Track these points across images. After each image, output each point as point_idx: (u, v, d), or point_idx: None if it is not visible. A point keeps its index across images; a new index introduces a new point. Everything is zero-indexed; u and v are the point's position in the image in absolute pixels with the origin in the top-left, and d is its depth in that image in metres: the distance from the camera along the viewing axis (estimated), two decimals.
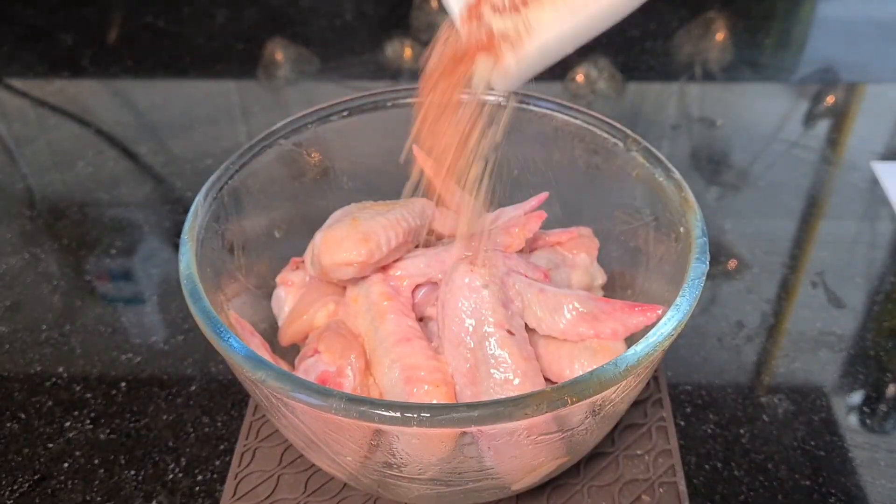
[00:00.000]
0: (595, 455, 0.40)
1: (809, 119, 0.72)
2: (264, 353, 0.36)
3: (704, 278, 0.32)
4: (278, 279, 0.43)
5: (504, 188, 0.48)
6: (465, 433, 0.28)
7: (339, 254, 0.37)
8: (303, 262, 0.42)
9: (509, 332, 0.34)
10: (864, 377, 0.47)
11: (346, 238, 0.37)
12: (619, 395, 0.30)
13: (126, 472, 0.41)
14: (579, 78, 0.76)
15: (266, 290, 0.43)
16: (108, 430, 0.43)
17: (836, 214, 0.60)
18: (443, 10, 0.32)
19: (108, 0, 0.91)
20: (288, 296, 0.42)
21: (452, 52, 0.31)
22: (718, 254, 0.55)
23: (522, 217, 0.41)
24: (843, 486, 0.40)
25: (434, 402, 0.33)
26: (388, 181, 0.48)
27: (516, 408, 0.26)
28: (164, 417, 0.44)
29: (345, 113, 0.44)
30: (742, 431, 0.43)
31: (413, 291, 0.38)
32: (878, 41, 0.85)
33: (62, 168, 0.65)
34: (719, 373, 0.47)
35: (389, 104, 0.44)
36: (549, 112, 0.44)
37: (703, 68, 0.79)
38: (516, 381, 0.33)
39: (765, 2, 0.91)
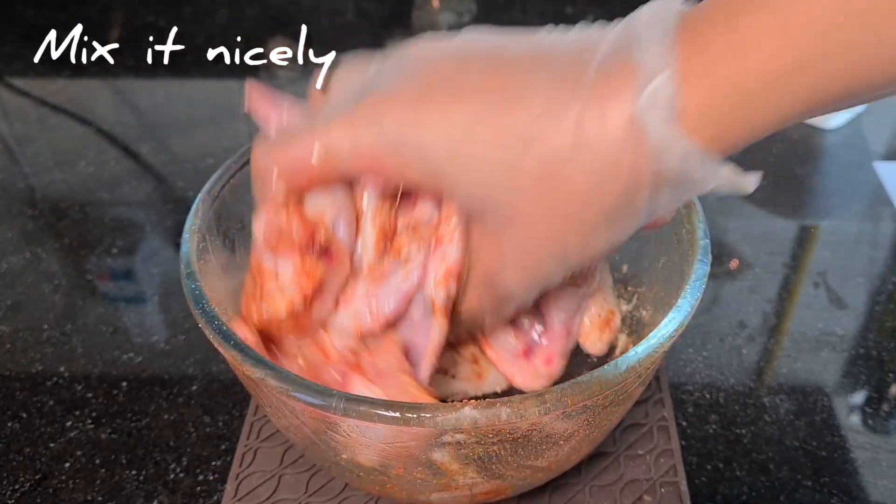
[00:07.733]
0: (596, 455, 0.40)
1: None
2: (264, 352, 0.36)
3: (706, 280, 0.32)
4: None
5: None
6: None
7: None
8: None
9: None
10: (865, 377, 0.47)
11: None
12: (619, 397, 0.30)
13: (127, 471, 0.41)
14: None
15: None
16: (109, 430, 0.43)
17: (838, 215, 0.60)
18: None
19: None
20: None
21: None
22: (720, 253, 0.55)
23: None
24: (844, 486, 0.40)
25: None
26: None
27: (518, 409, 0.26)
28: (166, 417, 0.44)
29: None
30: (744, 431, 0.43)
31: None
32: None
33: (63, 167, 0.65)
34: (721, 373, 0.47)
35: None
36: None
37: None
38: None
39: None
